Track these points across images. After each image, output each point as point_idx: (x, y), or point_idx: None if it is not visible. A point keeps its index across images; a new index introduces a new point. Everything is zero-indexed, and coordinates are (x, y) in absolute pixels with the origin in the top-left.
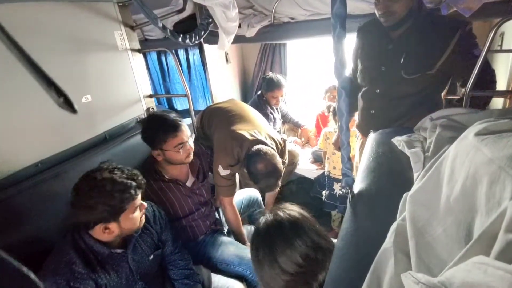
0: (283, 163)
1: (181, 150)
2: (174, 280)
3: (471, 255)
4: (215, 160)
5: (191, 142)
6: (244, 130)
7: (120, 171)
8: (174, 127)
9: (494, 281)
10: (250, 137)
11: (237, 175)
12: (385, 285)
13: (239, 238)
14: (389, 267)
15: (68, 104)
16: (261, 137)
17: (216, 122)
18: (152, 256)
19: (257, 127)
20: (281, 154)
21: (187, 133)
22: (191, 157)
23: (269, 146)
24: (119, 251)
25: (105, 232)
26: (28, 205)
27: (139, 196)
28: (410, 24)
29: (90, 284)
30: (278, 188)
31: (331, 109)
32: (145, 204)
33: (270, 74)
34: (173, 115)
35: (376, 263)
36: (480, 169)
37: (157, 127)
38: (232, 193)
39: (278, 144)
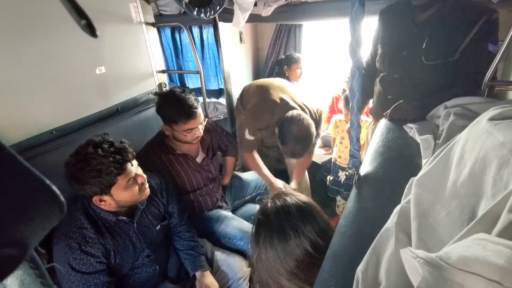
0: (318, 134)
1: (188, 135)
2: (179, 250)
3: (472, 234)
4: (243, 123)
5: (201, 128)
6: (276, 97)
7: (107, 145)
8: (188, 115)
9: (492, 256)
10: (280, 102)
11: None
12: (384, 262)
13: (265, 180)
14: (390, 245)
15: (89, 28)
16: (293, 104)
17: (251, 92)
18: (158, 227)
19: (291, 95)
20: (316, 125)
21: (200, 119)
22: (198, 140)
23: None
24: (125, 219)
25: (101, 204)
26: (42, 170)
27: (130, 169)
28: (439, 6)
29: (100, 248)
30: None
31: (344, 96)
32: (144, 176)
33: (283, 55)
34: (192, 98)
35: (377, 242)
36: (491, 152)
37: (173, 107)
38: (252, 150)
39: (313, 114)
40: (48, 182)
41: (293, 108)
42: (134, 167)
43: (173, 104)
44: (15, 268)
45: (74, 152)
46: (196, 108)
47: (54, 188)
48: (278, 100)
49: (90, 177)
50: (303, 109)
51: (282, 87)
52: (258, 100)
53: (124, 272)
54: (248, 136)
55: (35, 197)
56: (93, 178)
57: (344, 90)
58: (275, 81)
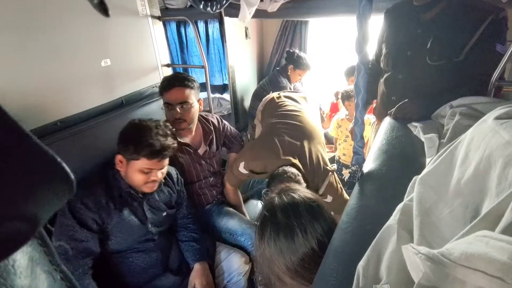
0: (320, 196)
1: (166, 110)
2: (182, 241)
3: (475, 232)
4: (241, 154)
5: (190, 112)
6: (286, 153)
7: (161, 129)
8: (168, 85)
9: (495, 252)
10: (282, 156)
11: None
12: (385, 258)
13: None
14: (391, 242)
15: (102, 6)
16: (295, 161)
17: (272, 119)
18: (165, 213)
19: (309, 146)
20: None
21: (179, 96)
22: (180, 126)
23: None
24: (136, 194)
25: (118, 165)
26: None
27: (154, 163)
28: (443, 5)
29: (99, 210)
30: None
31: (339, 95)
32: (158, 179)
33: (298, 51)
34: (182, 76)
35: (379, 238)
36: (496, 151)
37: (164, 79)
38: (236, 185)
39: (321, 173)
40: (59, 160)
41: (290, 163)
42: (161, 164)
43: (167, 77)
44: (24, 243)
45: (144, 120)
46: (180, 82)
47: (65, 166)
48: (283, 158)
49: (130, 138)
50: (312, 166)
51: (309, 134)
52: (264, 144)
53: (121, 249)
54: (241, 169)
55: (48, 174)
56: (132, 141)
57: (337, 93)
58: (299, 119)
